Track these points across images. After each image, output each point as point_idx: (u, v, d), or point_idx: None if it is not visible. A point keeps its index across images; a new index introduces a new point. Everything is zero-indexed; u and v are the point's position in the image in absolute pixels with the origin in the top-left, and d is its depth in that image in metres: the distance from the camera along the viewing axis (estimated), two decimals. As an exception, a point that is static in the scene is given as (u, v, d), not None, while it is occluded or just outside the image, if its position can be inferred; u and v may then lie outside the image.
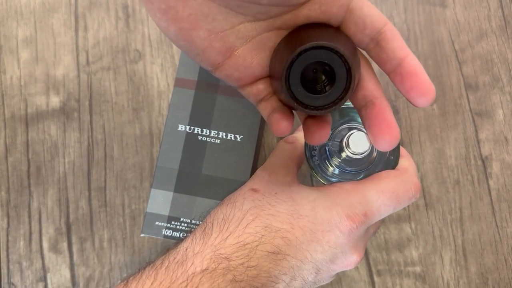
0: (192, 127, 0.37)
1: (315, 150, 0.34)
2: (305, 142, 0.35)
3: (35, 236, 0.43)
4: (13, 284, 0.43)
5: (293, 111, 0.29)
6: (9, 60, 0.46)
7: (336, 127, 0.34)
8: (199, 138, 0.37)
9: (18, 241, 0.43)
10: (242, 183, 0.36)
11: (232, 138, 0.37)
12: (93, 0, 0.46)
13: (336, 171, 0.34)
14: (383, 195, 0.31)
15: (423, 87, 0.25)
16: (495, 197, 0.44)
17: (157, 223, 0.36)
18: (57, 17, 0.46)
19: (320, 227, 0.30)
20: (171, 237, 0.36)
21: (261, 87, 0.28)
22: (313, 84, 0.26)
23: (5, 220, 0.44)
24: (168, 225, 0.36)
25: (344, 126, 0.34)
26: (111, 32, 0.46)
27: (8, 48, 0.46)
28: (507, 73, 0.45)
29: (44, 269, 0.43)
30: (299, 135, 0.37)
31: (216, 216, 0.32)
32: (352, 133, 0.31)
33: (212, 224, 0.31)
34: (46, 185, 0.44)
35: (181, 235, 0.36)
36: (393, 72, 0.26)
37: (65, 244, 0.43)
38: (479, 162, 0.44)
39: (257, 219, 0.30)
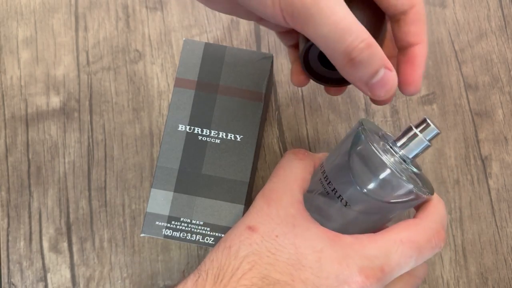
0: (192, 127, 0.37)
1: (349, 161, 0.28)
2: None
3: (35, 236, 0.44)
4: (13, 284, 0.43)
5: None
6: (9, 60, 0.46)
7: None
8: (199, 138, 0.37)
9: (18, 241, 0.44)
10: (242, 183, 0.36)
11: (232, 138, 0.37)
12: (93, 0, 0.47)
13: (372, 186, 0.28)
14: (402, 245, 0.27)
15: (411, 79, 0.27)
16: (495, 197, 0.44)
17: (157, 223, 0.36)
18: (57, 17, 0.46)
19: (325, 281, 0.26)
20: (171, 237, 0.36)
21: (294, 35, 0.29)
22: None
23: (5, 220, 0.44)
24: (168, 225, 0.36)
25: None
26: (111, 32, 0.46)
27: (8, 48, 0.46)
28: (507, 73, 0.45)
29: (44, 269, 0.43)
30: (312, 154, 0.34)
31: (211, 264, 0.28)
32: (425, 116, 0.28)
33: (207, 274, 0.28)
34: (46, 185, 0.44)
35: (181, 235, 0.36)
36: (399, 52, 0.28)
37: (65, 244, 0.43)
38: (479, 162, 0.44)
39: (254, 268, 0.27)
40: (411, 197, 0.27)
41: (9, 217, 0.44)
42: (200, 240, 0.36)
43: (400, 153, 0.28)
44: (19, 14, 0.46)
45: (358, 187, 0.28)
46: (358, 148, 0.28)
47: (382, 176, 0.27)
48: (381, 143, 0.29)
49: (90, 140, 0.45)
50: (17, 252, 0.43)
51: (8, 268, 0.43)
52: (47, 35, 0.46)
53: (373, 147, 0.27)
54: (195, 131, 0.37)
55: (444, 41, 0.46)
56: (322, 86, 0.44)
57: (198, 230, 0.36)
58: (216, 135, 0.37)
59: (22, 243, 0.43)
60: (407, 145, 0.28)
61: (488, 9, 0.46)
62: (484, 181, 0.44)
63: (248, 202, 0.38)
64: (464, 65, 0.45)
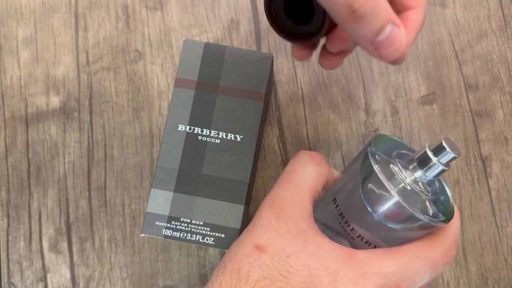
0: (192, 127, 0.37)
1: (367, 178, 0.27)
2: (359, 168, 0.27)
3: (35, 236, 0.44)
4: (13, 284, 0.43)
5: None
6: (9, 60, 0.46)
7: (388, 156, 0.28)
8: (199, 138, 0.37)
9: (18, 241, 0.44)
10: (242, 183, 0.36)
11: (232, 138, 0.37)
12: (93, 0, 0.47)
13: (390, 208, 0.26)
14: (418, 261, 0.26)
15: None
16: (495, 197, 0.44)
17: (157, 223, 0.36)
18: (57, 17, 0.46)
19: None
20: (171, 237, 0.36)
21: None
22: (298, 14, 0.27)
23: (5, 220, 0.44)
24: (168, 225, 0.36)
25: (399, 151, 0.29)
26: (111, 32, 0.46)
27: (8, 48, 0.46)
28: (507, 73, 0.45)
29: (44, 269, 0.43)
30: (327, 164, 0.31)
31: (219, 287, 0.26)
32: (443, 138, 0.26)
33: None
34: (46, 185, 0.44)
35: (181, 235, 0.36)
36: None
37: (65, 244, 0.43)
38: (479, 162, 0.44)
39: None
40: (424, 226, 0.26)
41: (9, 217, 0.44)
42: (200, 240, 0.36)
43: (412, 178, 0.27)
44: (19, 14, 0.46)
45: (373, 217, 0.27)
46: (366, 176, 0.27)
47: (391, 207, 0.26)
48: (393, 167, 0.27)
49: (90, 140, 0.45)
50: (17, 252, 0.43)
51: (8, 268, 0.43)
52: (47, 35, 0.46)
53: (380, 176, 0.26)
54: (195, 131, 0.37)
55: (445, 41, 0.46)
56: (322, 86, 0.45)
57: (198, 230, 0.36)
58: (216, 135, 0.37)
59: (22, 243, 0.43)
60: (421, 169, 0.27)
61: (488, 9, 0.46)
62: (484, 181, 0.44)
63: (248, 202, 0.38)
64: (464, 65, 0.45)
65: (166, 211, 0.36)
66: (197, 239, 0.36)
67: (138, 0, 0.46)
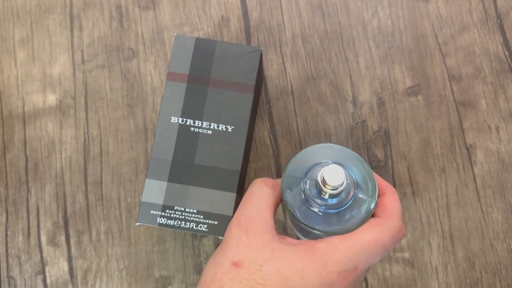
0: (184, 119, 0.39)
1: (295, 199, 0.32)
2: (283, 191, 0.33)
3: (33, 230, 0.45)
4: (12, 278, 0.44)
5: None
6: (6, 60, 0.47)
7: (310, 168, 0.33)
8: (192, 130, 0.39)
9: (17, 235, 0.45)
10: (233, 172, 0.37)
11: (224, 129, 0.39)
12: (87, 1, 0.48)
13: (320, 217, 0.32)
14: (369, 245, 0.30)
15: None
16: (480, 184, 0.45)
17: (152, 212, 0.37)
18: (53, 17, 0.48)
19: None
20: (166, 225, 0.37)
21: None
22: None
23: (4, 215, 0.45)
24: (163, 213, 0.37)
25: (318, 165, 0.33)
26: (105, 32, 0.48)
27: (5, 49, 0.47)
28: (489, 64, 0.47)
29: (43, 262, 0.44)
30: (279, 182, 0.35)
31: None
32: (325, 168, 0.30)
33: None
34: (44, 180, 0.45)
35: (175, 223, 0.37)
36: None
37: (63, 238, 0.44)
38: (464, 150, 0.45)
39: None
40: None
41: (7, 212, 0.45)
42: (194, 227, 0.37)
43: (318, 198, 0.31)
44: (15, 15, 0.48)
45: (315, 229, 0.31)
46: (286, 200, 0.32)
47: (296, 221, 0.32)
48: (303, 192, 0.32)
49: (86, 136, 0.46)
50: (15, 246, 0.44)
51: (7, 262, 0.44)
52: (43, 35, 0.48)
53: (288, 205, 0.31)
54: (188, 123, 0.39)
55: (428, 34, 0.47)
56: (310, 80, 0.46)
57: (191, 218, 0.37)
58: (207, 126, 0.39)
59: (20, 238, 0.44)
60: (319, 196, 0.31)
61: (470, 3, 0.48)
62: (469, 168, 0.45)
63: (240, 192, 0.39)
64: (448, 57, 0.47)
65: (160, 200, 0.38)
66: (191, 227, 0.37)
67: (131, 0, 0.48)
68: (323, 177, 0.29)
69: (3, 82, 0.47)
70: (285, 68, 0.47)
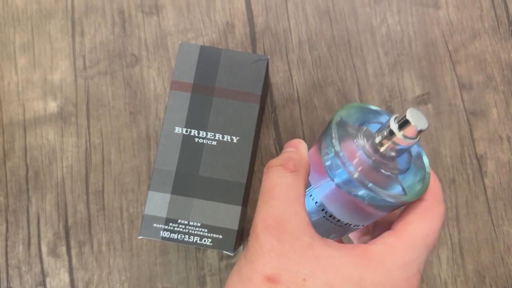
0: (188, 130, 0.38)
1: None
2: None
3: (34, 241, 0.44)
4: (12, 289, 0.43)
5: None
6: (6, 66, 0.46)
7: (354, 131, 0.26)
8: (196, 140, 0.38)
9: (17, 245, 0.44)
10: (239, 184, 0.36)
11: (229, 140, 0.38)
12: (89, 6, 0.47)
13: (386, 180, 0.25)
14: (429, 239, 0.25)
15: None
16: (491, 195, 0.44)
17: (155, 225, 0.36)
18: (54, 23, 0.47)
19: None
20: (169, 238, 0.36)
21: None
22: None
23: (4, 225, 0.44)
24: (166, 227, 0.36)
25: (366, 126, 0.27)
26: (108, 37, 0.46)
27: (6, 54, 0.46)
28: (501, 72, 0.46)
29: (43, 274, 0.43)
30: (301, 153, 0.28)
31: None
32: (408, 109, 0.24)
33: None
34: (45, 189, 0.44)
35: (178, 236, 0.36)
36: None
37: (63, 248, 0.43)
38: (474, 161, 0.44)
39: None
40: (390, 202, 0.25)
41: (7, 222, 0.44)
42: (198, 241, 0.36)
43: (377, 152, 0.25)
44: (16, 20, 0.47)
45: (334, 186, 0.25)
46: (327, 150, 0.25)
47: (351, 184, 0.25)
48: (356, 141, 0.26)
49: (88, 144, 0.45)
50: (16, 257, 0.43)
51: (7, 272, 0.43)
52: (44, 41, 0.47)
53: (339, 155, 0.24)
54: (192, 133, 0.38)
55: (438, 41, 0.46)
56: (317, 88, 0.45)
57: (195, 232, 0.36)
58: (212, 137, 0.38)
59: (20, 248, 0.44)
60: (385, 144, 0.25)
61: (481, 9, 0.47)
62: (479, 180, 0.44)
63: (245, 204, 0.38)
64: (458, 65, 0.46)
65: (163, 213, 0.37)
66: (194, 241, 0.36)
67: (134, 5, 0.47)
68: (405, 118, 0.23)
69: (3, 89, 0.46)
70: (291, 75, 0.46)
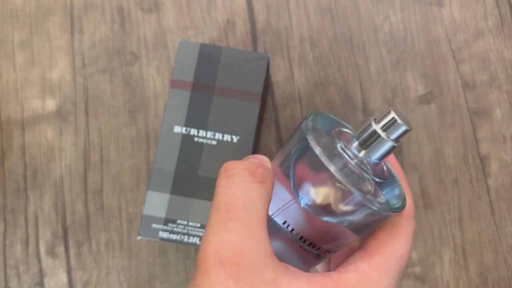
0: (188, 129, 0.37)
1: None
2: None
3: (32, 240, 0.43)
4: (10, 289, 0.43)
5: None
6: (5, 64, 0.46)
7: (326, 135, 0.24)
8: (196, 140, 0.37)
9: (15, 245, 0.43)
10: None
11: (229, 140, 0.37)
12: (88, 3, 0.46)
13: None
14: (402, 260, 0.23)
15: None
16: (494, 196, 0.43)
17: (153, 225, 0.36)
18: (53, 20, 0.46)
19: None
20: (168, 239, 0.36)
21: None
22: None
23: (2, 225, 0.43)
24: (165, 227, 0.36)
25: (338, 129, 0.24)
26: (107, 35, 0.46)
27: (4, 52, 0.46)
28: (504, 71, 0.45)
29: (41, 274, 0.43)
30: (267, 164, 0.23)
31: None
32: (391, 108, 0.22)
33: None
34: (43, 188, 0.44)
35: (178, 237, 0.36)
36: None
37: (62, 248, 0.43)
38: (478, 161, 0.44)
39: None
40: (365, 212, 0.22)
41: (5, 221, 0.44)
42: (197, 242, 0.36)
43: (357, 158, 0.23)
44: (14, 18, 0.46)
45: (301, 202, 0.22)
46: (300, 152, 0.22)
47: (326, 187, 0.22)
48: (333, 144, 0.23)
49: (86, 143, 0.44)
50: (13, 257, 0.43)
51: (5, 272, 0.43)
52: (42, 38, 0.46)
53: (316, 151, 0.21)
54: (191, 133, 0.37)
55: (441, 40, 0.46)
56: (319, 87, 0.44)
57: (195, 232, 0.36)
58: (212, 136, 0.37)
59: (18, 247, 0.43)
60: (366, 146, 0.22)
61: (485, 8, 0.46)
62: (482, 180, 0.44)
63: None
64: (462, 64, 0.45)
65: (162, 213, 0.36)
66: (194, 242, 0.36)
67: (134, 2, 0.46)
68: (393, 117, 0.21)
69: (1, 87, 0.45)
70: (292, 74, 0.45)
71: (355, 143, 0.23)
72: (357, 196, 0.21)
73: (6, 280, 0.43)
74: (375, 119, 0.22)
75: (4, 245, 0.43)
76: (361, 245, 0.24)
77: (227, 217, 0.20)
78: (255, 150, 0.40)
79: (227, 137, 0.37)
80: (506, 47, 0.45)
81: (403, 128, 0.21)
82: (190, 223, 0.36)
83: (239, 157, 0.37)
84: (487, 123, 0.44)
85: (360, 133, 0.23)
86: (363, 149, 0.22)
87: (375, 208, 0.21)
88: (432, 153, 0.44)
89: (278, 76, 0.45)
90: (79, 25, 0.46)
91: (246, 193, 0.21)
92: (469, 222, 0.43)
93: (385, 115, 0.22)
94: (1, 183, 0.44)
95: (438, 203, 0.43)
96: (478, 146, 0.44)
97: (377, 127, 0.22)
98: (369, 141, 0.22)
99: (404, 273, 0.42)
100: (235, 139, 0.37)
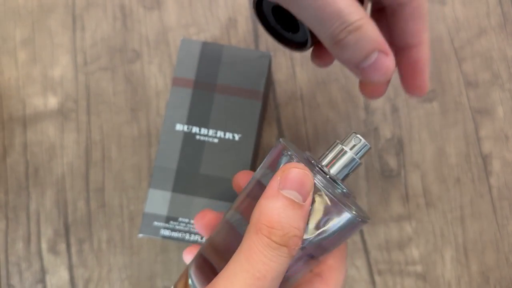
0: (190, 127, 0.37)
1: None
2: None
3: (33, 238, 0.43)
4: (12, 286, 0.43)
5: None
6: (7, 61, 0.46)
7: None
8: (197, 138, 0.37)
9: (17, 242, 0.43)
10: (241, 182, 0.36)
11: (230, 138, 0.37)
12: (90, 1, 0.46)
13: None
14: (343, 283, 0.26)
15: (415, 84, 0.26)
16: (496, 195, 0.43)
17: (155, 223, 0.36)
18: (55, 17, 0.46)
19: None
20: (170, 237, 0.36)
21: None
22: (287, 21, 0.28)
23: (4, 222, 0.44)
24: (167, 225, 0.36)
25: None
26: (109, 32, 0.46)
27: (6, 49, 0.46)
28: (507, 70, 0.45)
29: (43, 271, 0.43)
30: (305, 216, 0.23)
31: None
32: (354, 132, 0.26)
33: None
34: (45, 186, 0.44)
35: (179, 235, 0.36)
36: (397, 51, 0.25)
37: (63, 246, 0.43)
38: (480, 160, 0.44)
39: None
40: (344, 222, 0.23)
41: (7, 218, 0.44)
42: (199, 240, 0.36)
43: (329, 173, 0.25)
44: (16, 15, 0.46)
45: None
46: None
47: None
48: (308, 159, 0.25)
49: (88, 140, 0.44)
50: (15, 254, 0.43)
51: (7, 269, 0.43)
52: (44, 36, 0.46)
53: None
54: (193, 131, 0.37)
55: (444, 38, 0.45)
56: (321, 85, 0.44)
57: (196, 230, 0.36)
58: (214, 135, 0.37)
59: (20, 245, 0.43)
60: (334, 164, 0.25)
61: (488, 6, 0.46)
62: (484, 179, 0.43)
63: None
64: (464, 63, 0.45)
65: (164, 211, 0.36)
66: (195, 239, 0.36)
67: (136, 0, 0.46)
68: (357, 138, 0.25)
69: (3, 84, 0.45)
70: (294, 72, 0.45)
71: (325, 161, 0.25)
72: (339, 205, 0.23)
73: (8, 277, 0.43)
74: (340, 141, 0.26)
75: (6, 242, 0.43)
76: (317, 272, 0.26)
77: (256, 285, 0.20)
78: (257, 149, 0.40)
79: (228, 135, 0.37)
80: (508, 45, 0.45)
81: (367, 147, 0.25)
82: (192, 221, 0.36)
83: (240, 155, 0.37)
84: (490, 121, 0.44)
85: (327, 152, 0.26)
86: (332, 167, 0.25)
87: (355, 215, 0.23)
88: (434, 151, 0.44)
89: (280, 74, 0.45)
90: (81, 23, 0.46)
91: (280, 268, 0.21)
92: (471, 221, 0.43)
93: (349, 137, 0.26)
94: (3, 181, 0.44)
95: (440, 202, 0.43)
96: (480, 145, 0.44)
97: (345, 147, 0.25)
98: (337, 160, 0.25)
99: (406, 272, 0.42)
100: (236, 137, 0.37)
